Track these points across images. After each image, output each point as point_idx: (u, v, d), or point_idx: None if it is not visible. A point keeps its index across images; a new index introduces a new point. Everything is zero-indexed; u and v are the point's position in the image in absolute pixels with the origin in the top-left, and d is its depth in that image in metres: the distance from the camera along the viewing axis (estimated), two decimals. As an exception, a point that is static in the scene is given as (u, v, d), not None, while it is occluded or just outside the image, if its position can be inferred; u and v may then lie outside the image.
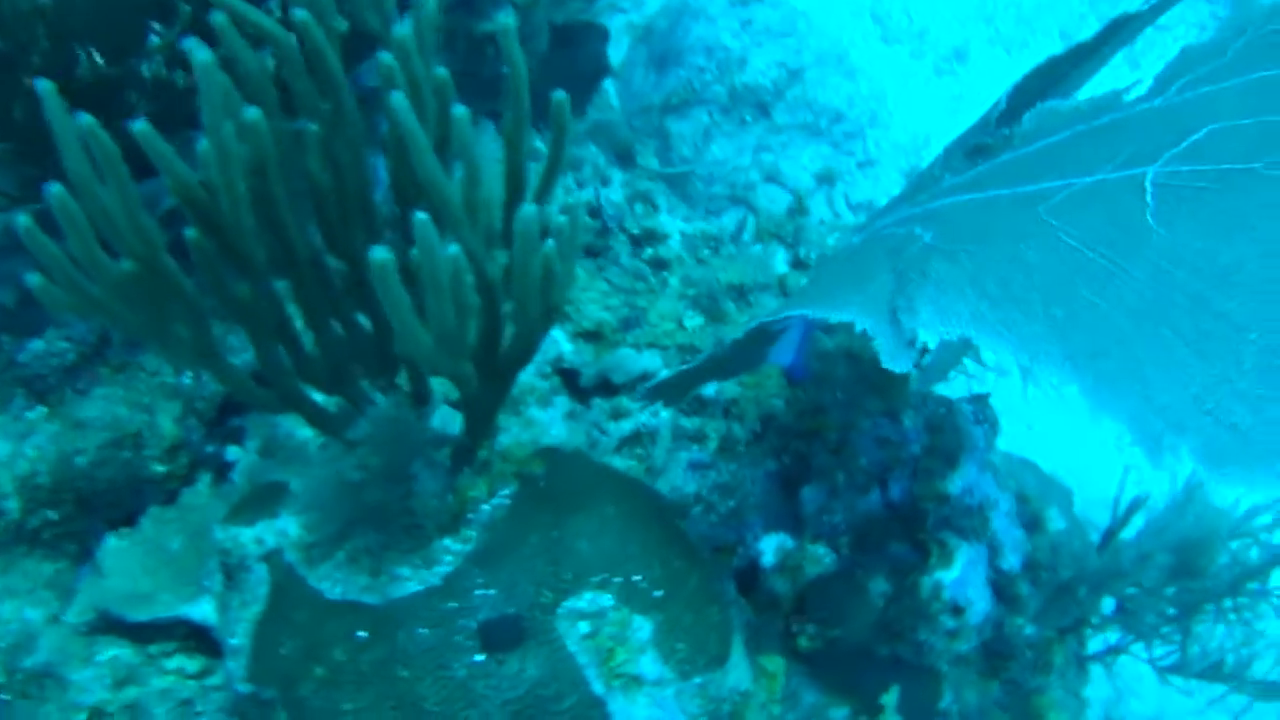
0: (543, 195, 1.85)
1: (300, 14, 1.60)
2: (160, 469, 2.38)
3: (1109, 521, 2.78)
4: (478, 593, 1.87)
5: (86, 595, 2.25)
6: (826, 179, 5.18)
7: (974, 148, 2.18)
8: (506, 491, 1.99)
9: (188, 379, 2.55)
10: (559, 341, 2.55)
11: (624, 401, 2.46)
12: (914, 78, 5.60)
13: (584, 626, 1.88)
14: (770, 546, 2.34)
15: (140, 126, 1.51)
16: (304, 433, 2.35)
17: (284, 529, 2.05)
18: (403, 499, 1.94)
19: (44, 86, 1.37)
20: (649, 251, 2.86)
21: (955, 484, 2.47)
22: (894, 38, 5.69)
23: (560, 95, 1.73)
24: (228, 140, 1.44)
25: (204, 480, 2.45)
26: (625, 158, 3.39)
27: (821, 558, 2.32)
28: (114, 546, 2.29)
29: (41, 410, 2.43)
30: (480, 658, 1.82)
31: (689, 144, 4.90)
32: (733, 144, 5.06)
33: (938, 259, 1.76)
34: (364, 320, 1.98)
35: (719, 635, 1.96)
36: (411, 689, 1.81)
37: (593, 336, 2.56)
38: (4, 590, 2.33)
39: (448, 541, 1.94)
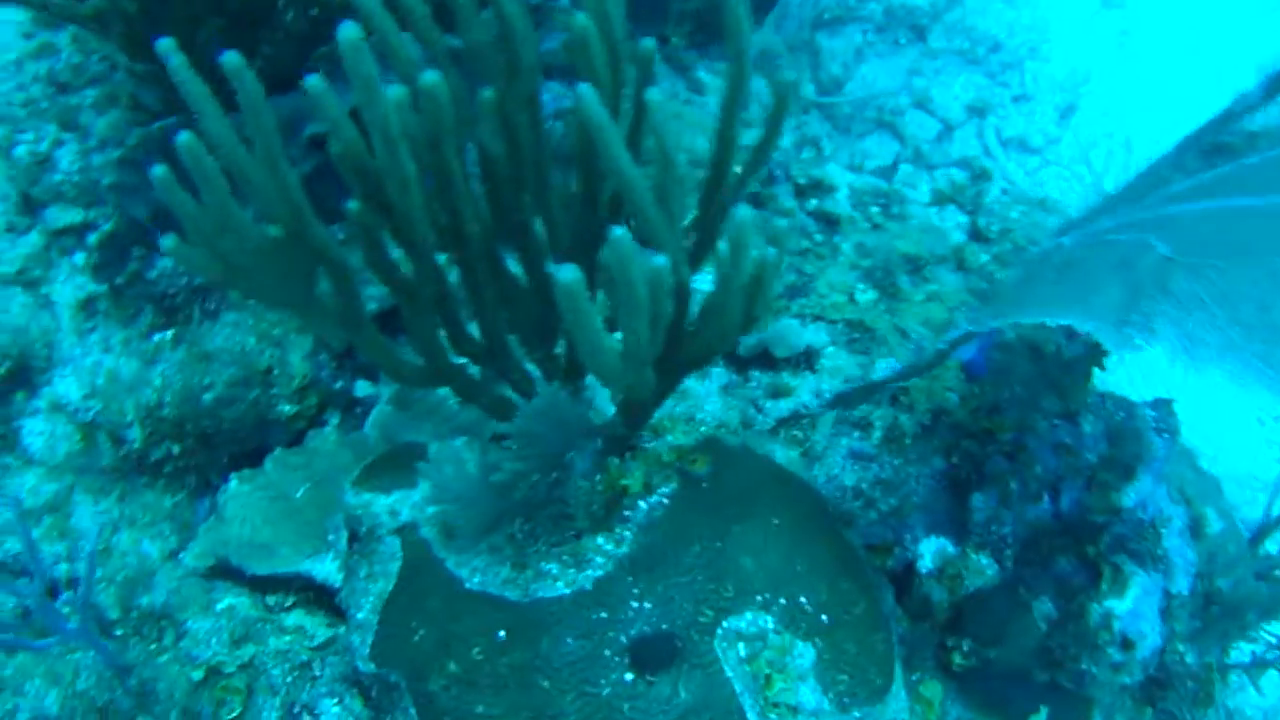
0: (748, 181, 1.65)
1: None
2: (288, 409, 2.25)
3: (1260, 517, 2.58)
4: (632, 604, 1.71)
5: (207, 539, 2.14)
6: (978, 111, 4.89)
7: (1212, 146, 1.95)
8: (666, 490, 1.82)
9: (320, 308, 2.40)
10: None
11: (785, 377, 2.28)
12: (1079, 8, 5.24)
13: (742, 649, 1.72)
14: (930, 550, 2.17)
15: (313, 81, 1.33)
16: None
17: (421, 502, 1.91)
18: (552, 486, 1.78)
19: (165, 45, 1.19)
20: (813, 203, 2.64)
21: (1130, 497, 2.27)
22: (1065, -39, 5.32)
23: (789, 77, 1.51)
24: (390, 115, 1.25)
25: (332, 421, 2.32)
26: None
27: (984, 569, 2.15)
28: (236, 491, 2.17)
29: (168, 334, 2.30)
30: (629, 676, 1.68)
31: (839, 62, 4.63)
32: (884, 65, 4.78)
33: (1179, 274, 1.54)
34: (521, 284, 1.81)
35: (882, 666, 1.80)
36: (551, 702, 1.68)
37: (754, 302, 2.36)
38: (123, 520, 2.23)
39: (600, 540, 1.78)
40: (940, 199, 2.61)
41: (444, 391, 2.21)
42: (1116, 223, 1.77)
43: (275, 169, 1.31)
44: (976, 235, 2.55)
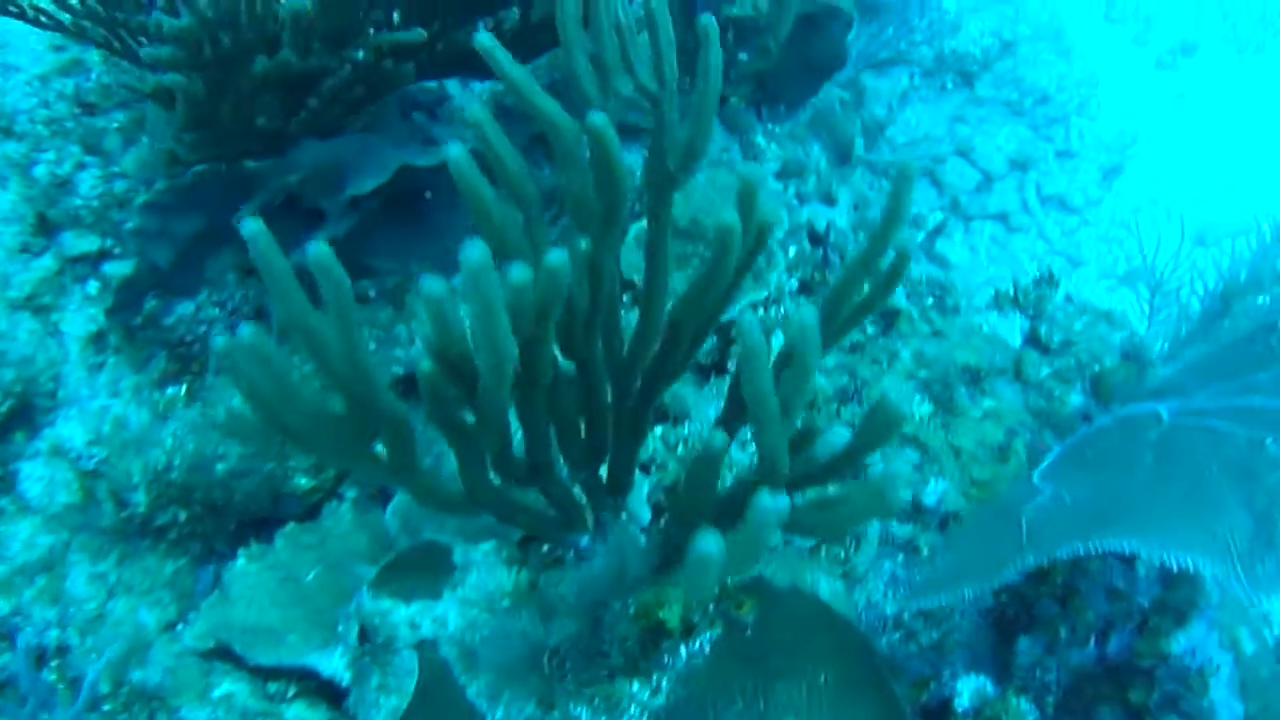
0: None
1: (597, 119, 1.27)
2: (304, 482, 2.12)
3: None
4: (667, 767, 1.60)
5: (209, 618, 2.02)
6: (1020, 164, 4.76)
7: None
8: (708, 636, 1.70)
9: (343, 368, 2.27)
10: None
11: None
12: (1132, 66, 5.11)
13: (779, 822, 1.61)
14: (969, 689, 2.06)
15: (431, 286, 1.19)
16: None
17: (444, 617, 1.79)
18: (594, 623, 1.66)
19: (253, 228, 1.06)
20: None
21: (1179, 643, 2.16)
22: (1118, 17, 5.18)
23: (908, 248, 1.39)
24: (501, 302, 1.12)
25: (349, 495, 2.19)
26: (845, 156, 3.02)
27: (1025, 714, 2.04)
28: (243, 570, 2.04)
29: (181, 389, 2.17)
30: (660, 847, 1.56)
31: (883, 103, 4.50)
32: (928, 110, 4.65)
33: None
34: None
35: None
36: None
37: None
38: (120, 585, 2.11)
39: (635, 686, 1.66)
40: (1000, 301, 2.48)
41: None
42: (1218, 404, 1.65)
43: (349, 341, 1.18)
44: (1035, 342, 2.42)
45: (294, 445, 1.32)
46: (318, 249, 1.02)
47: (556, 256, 1.09)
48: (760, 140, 2.74)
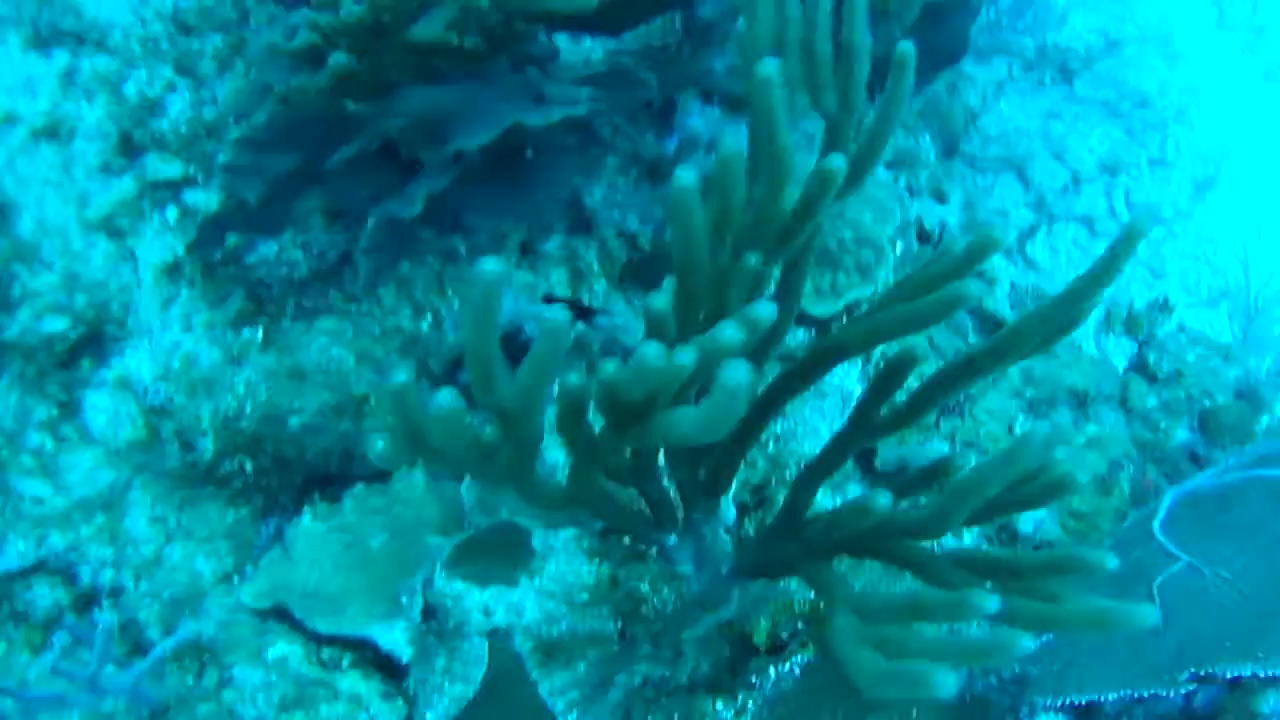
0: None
1: (835, 161, 1.17)
2: (381, 445, 2.02)
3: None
4: (748, 797, 1.51)
5: (269, 576, 1.95)
6: (1110, 168, 4.60)
7: None
8: (799, 659, 1.61)
9: (426, 325, 2.19)
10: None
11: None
12: (1237, 76, 4.92)
13: None
14: (1046, 728, 1.97)
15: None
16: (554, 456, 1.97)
17: (520, 606, 1.70)
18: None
19: (491, 269, 0.96)
20: (974, 312, 2.41)
21: (1269, 702, 2.07)
22: (1230, 25, 4.99)
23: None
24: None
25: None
26: (951, 148, 2.90)
27: (1103, 760, 1.95)
28: (308, 529, 1.97)
29: (258, 332, 2.08)
30: None
31: (979, 92, 4.34)
32: (1023, 104, 4.49)
33: None
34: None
35: None
36: None
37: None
38: (179, 530, 2.04)
39: (719, 705, 1.57)
40: (1111, 323, 2.37)
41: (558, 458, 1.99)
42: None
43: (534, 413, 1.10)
44: (1143, 369, 2.31)
45: (427, 464, 1.22)
46: (554, 318, 0.93)
47: (735, 374, 0.95)
48: (871, 126, 2.61)
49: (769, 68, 1.17)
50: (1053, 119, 4.54)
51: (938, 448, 2.09)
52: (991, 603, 0.95)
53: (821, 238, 2.26)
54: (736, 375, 0.88)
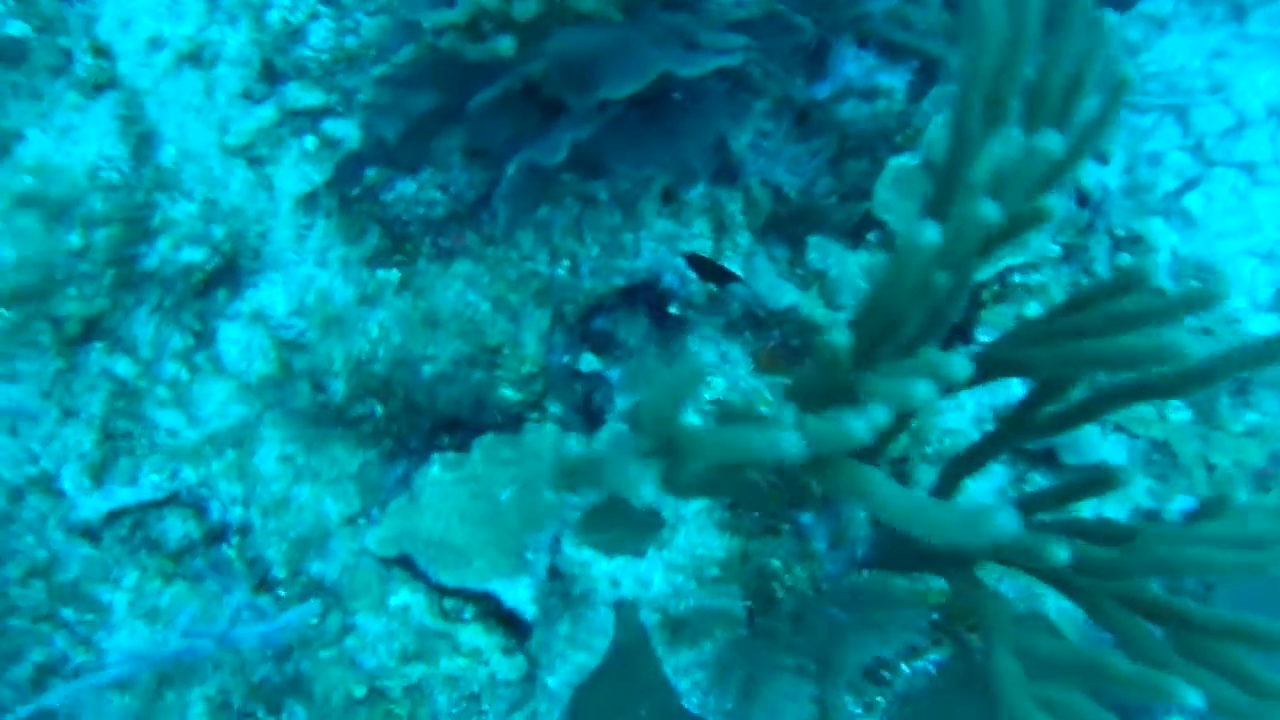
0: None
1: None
2: (510, 395, 2.00)
3: None
4: (875, 797, 1.46)
5: (395, 522, 1.94)
6: (1278, 112, 4.36)
7: None
8: (934, 656, 1.55)
9: (563, 270, 2.14)
10: (1010, 383, 2.04)
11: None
12: None
13: None
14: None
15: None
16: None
17: (648, 578, 1.66)
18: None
19: None
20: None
21: None
22: None
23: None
24: None
25: (553, 411, 2.07)
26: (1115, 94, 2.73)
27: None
28: (437, 478, 1.95)
29: (394, 274, 2.05)
30: None
31: (1140, 27, 4.13)
32: (1187, 41, 4.26)
33: None
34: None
35: None
36: None
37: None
38: (307, 470, 2.03)
39: (849, 700, 1.52)
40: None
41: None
42: None
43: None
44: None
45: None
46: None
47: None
48: (1033, 75, 2.48)
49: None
50: (1219, 58, 4.30)
51: (1087, 429, 1.99)
52: (1194, 697, 0.88)
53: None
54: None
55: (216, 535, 2.00)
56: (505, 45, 1.82)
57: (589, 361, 2.19)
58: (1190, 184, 3.05)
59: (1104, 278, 2.23)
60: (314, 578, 1.95)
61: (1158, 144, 2.93)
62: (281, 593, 1.97)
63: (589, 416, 2.18)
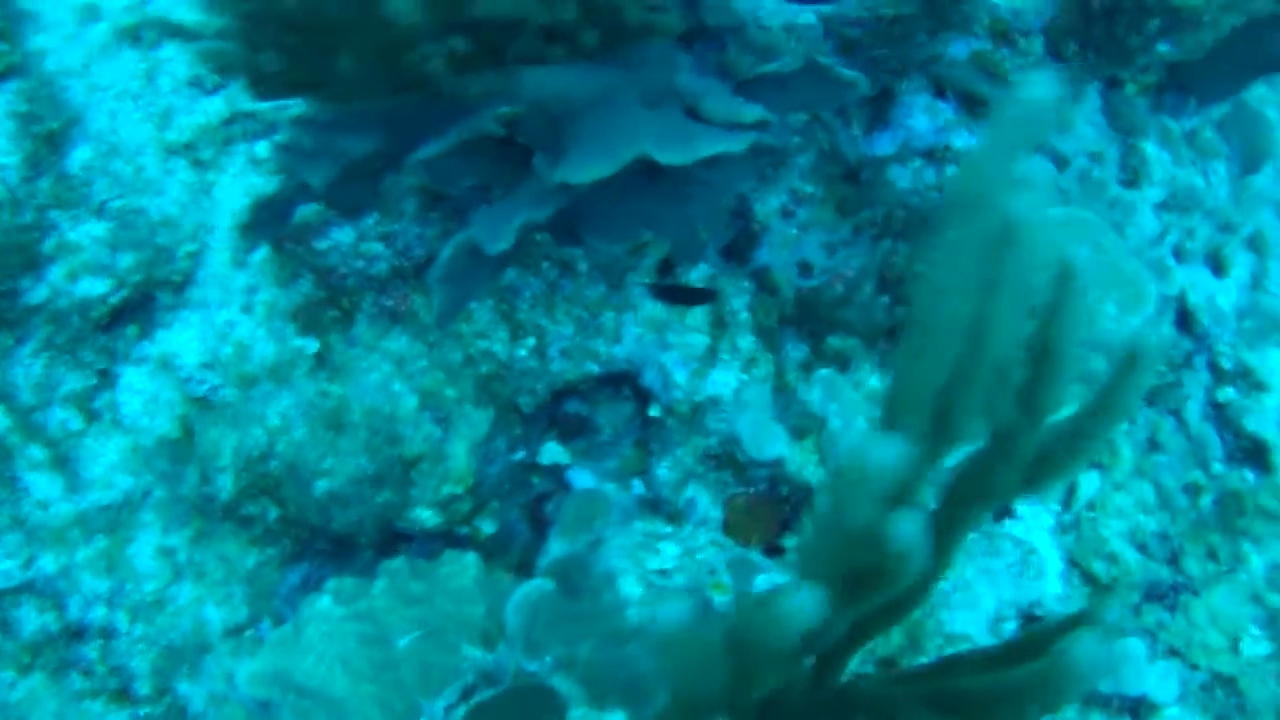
0: None
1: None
2: (427, 517, 1.65)
3: None
4: None
5: (272, 658, 1.62)
6: None
7: None
8: None
9: (525, 350, 1.76)
10: (1044, 574, 1.64)
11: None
12: None
13: None
14: None
15: None
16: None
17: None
18: None
19: None
20: (1231, 409, 1.84)
21: None
22: None
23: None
24: None
25: (486, 532, 1.72)
26: (1253, 168, 2.23)
27: None
28: (325, 612, 1.61)
29: (312, 345, 1.70)
30: None
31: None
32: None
33: None
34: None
35: None
36: None
37: (1099, 589, 1.63)
38: (189, 567, 1.71)
39: None
40: None
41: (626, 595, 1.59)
42: None
43: None
44: None
45: None
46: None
47: None
48: (1150, 148, 2.00)
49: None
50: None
51: (1131, 646, 1.58)
52: None
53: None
54: None
55: (75, 634, 1.70)
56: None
57: (552, 453, 1.83)
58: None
59: (1196, 427, 1.78)
60: (179, 703, 1.65)
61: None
62: (143, 712, 1.67)
63: (541, 528, 1.83)
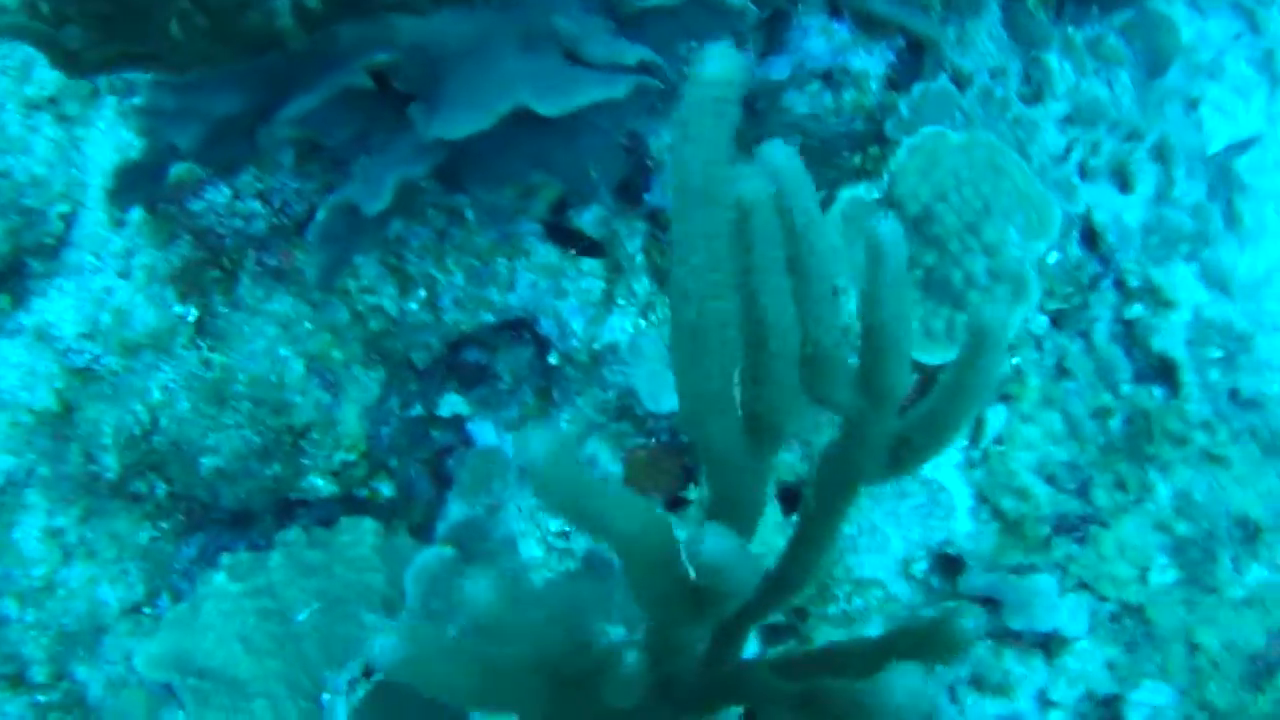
0: None
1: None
2: (321, 485, 1.60)
3: None
4: None
5: (170, 639, 1.58)
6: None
7: None
8: None
9: (415, 304, 1.71)
10: (953, 512, 1.62)
11: (1006, 661, 1.57)
12: None
13: None
14: None
15: None
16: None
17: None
18: None
19: None
20: (1139, 328, 1.82)
21: None
22: None
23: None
24: None
25: (384, 494, 1.67)
26: (1157, 73, 2.18)
27: None
28: (221, 589, 1.57)
29: (191, 313, 1.63)
30: None
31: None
32: None
33: None
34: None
35: None
36: None
37: (1008, 525, 1.62)
38: (80, 548, 1.66)
39: None
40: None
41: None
42: None
43: None
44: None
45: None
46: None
47: None
48: (1052, 59, 1.94)
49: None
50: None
51: (1042, 583, 1.57)
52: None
53: (944, 267, 1.68)
54: None
55: (-39, 626, 1.65)
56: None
57: (451, 404, 1.78)
58: (1244, 148, 2.45)
59: (1104, 350, 1.76)
60: (77, 689, 1.60)
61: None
62: (40, 699, 1.63)
63: (442, 483, 1.79)
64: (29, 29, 1.20)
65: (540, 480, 0.68)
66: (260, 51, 1.36)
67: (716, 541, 0.68)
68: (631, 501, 0.75)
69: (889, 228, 0.78)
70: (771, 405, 0.82)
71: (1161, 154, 1.99)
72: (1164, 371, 1.81)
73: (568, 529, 1.53)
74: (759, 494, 0.88)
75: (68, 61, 1.25)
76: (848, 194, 1.70)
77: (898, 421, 0.88)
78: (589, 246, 1.61)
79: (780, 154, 0.79)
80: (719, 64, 0.67)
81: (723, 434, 0.81)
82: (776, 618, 1.54)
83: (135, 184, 1.63)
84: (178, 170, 1.68)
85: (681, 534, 0.78)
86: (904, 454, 0.89)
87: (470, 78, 1.49)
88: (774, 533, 1.56)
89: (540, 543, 1.54)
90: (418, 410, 1.76)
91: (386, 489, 1.68)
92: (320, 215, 1.51)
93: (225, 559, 1.59)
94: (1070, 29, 1.99)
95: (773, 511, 1.57)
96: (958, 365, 0.84)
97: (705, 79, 0.67)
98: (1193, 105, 2.39)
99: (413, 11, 1.51)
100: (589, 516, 0.72)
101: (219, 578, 1.58)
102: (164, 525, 1.69)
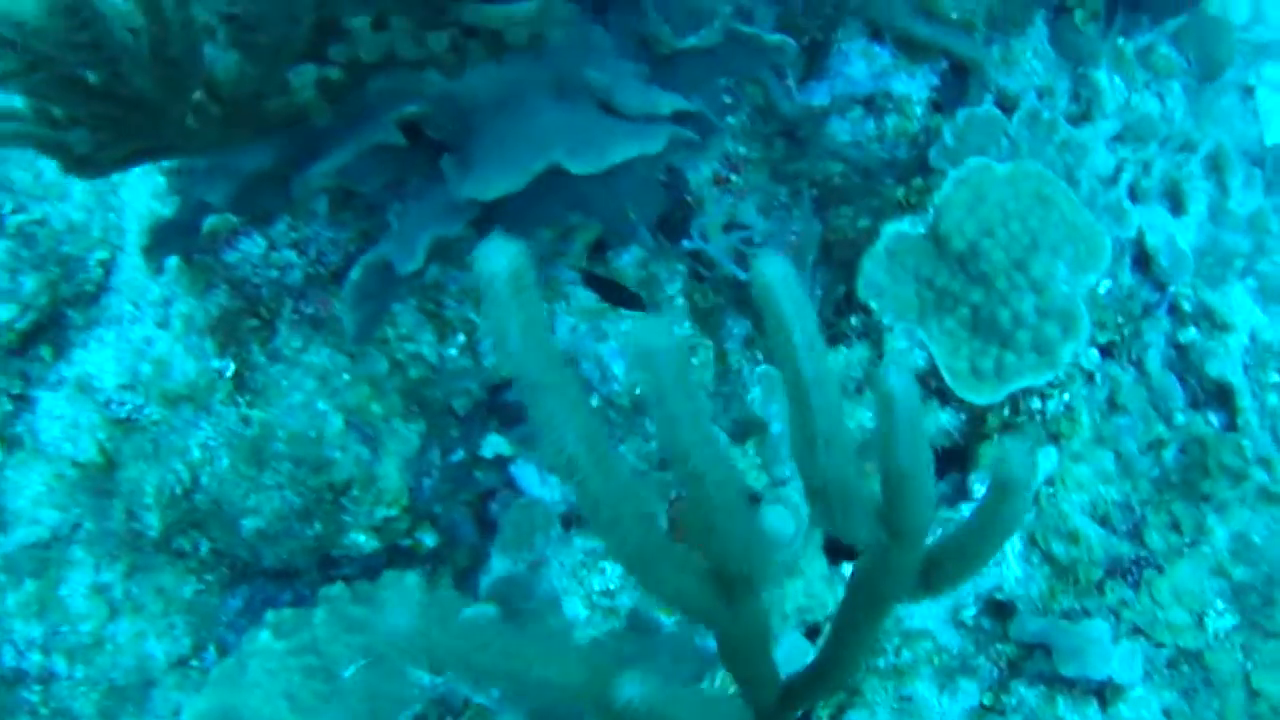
0: None
1: None
2: (363, 541, 1.59)
3: None
4: None
5: (216, 696, 1.57)
6: None
7: None
8: None
9: (455, 350, 1.69)
10: (1004, 557, 1.59)
11: (1059, 709, 1.54)
12: None
13: None
14: None
15: None
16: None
17: None
18: None
19: None
20: (1193, 352, 1.78)
21: None
22: None
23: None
24: None
25: (427, 544, 1.67)
26: (1212, 79, 2.12)
27: None
28: (265, 647, 1.56)
29: (229, 367, 1.62)
30: None
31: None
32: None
33: None
34: None
35: None
36: None
37: (1060, 569, 1.58)
38: (126, 603, 1.66)
39: None
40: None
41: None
42: None
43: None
44: None
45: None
46: None
47: None
48: (1101, 76, 1.89)
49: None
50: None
51: (1095, 628, 1.54)
52: None
53: (990, 304, 1.64)
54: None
55: (12, 683, 1.66)
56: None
57: (494, 444, 1.77)
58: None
59: (1157, 377, 1.72)
60: (126, 742, 1.61)
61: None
62: (88, 759, 1.64)
63: (486, 528, 1.78)
64: (34, 135, 1.18)
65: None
66: (283, 128, 1.34)
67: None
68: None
69: (899, 380, 0.75)
70: (725, 557, 0.81)
71: (1216, 163, 1.93)
72: (1220, 396, 1.76)
73: (611, 587, 1.51)
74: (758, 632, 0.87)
75: (78, 166, 1.23)
76: (892, 229, 1.66)
77: (926, 548, 0.86)
78: (628, 298, 1.58)
79: (773, 268, 0.76)
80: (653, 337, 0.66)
81: (696, 601, 0.81)
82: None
83: (169, 240, 1.63)
84: (211, 221, 1.67)
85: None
86: (936, 578, 0.87)
87: (503, 132, 1.47)
88: (822, 585, 1.54)
89: (585, 601, 1.52)
90: (459, 455, 1.75)
91: (429, 539, 1.67)
92: (354, 274, 1.49)
93: (270, 616, 1.58)
94: (1120, 40, 1.93)
95: (819, 564, 1.54)
96: (983, 509, 0.82)
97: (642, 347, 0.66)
98: (1248, 93, 2.33)
99: (441, 70, 1.49)
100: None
101: (264, 635, 1.57)
102: (209, 578, 1.68)
